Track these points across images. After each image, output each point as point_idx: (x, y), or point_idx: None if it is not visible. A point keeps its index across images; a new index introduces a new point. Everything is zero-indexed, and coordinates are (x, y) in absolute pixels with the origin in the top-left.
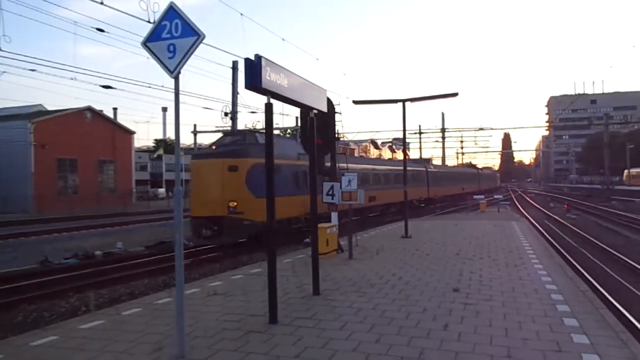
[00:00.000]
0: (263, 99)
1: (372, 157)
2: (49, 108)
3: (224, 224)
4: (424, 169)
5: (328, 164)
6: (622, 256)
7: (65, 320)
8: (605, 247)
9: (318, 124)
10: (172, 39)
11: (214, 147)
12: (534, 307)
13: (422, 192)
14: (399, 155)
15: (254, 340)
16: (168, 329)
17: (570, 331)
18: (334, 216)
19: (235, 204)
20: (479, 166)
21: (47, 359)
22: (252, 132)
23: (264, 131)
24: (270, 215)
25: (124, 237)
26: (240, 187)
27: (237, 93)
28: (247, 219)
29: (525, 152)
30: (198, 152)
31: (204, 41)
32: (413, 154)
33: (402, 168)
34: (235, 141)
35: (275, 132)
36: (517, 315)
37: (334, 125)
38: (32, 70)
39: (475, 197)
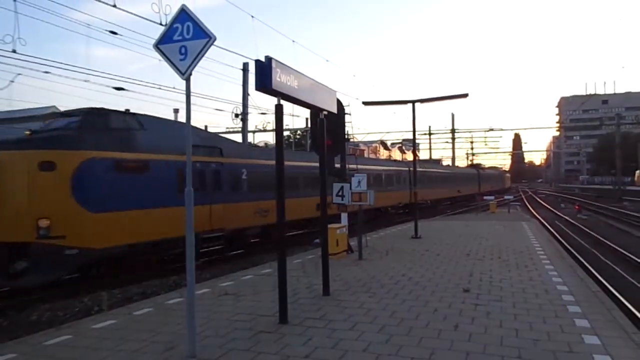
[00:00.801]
0: (273, 100)
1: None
2: (63, 109)
3: (31, 254)
4: (406, 168)
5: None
6: (634, 257)
7: (79, 319)
8: (617, 247)
9: (328, 125)
10: (184, 41)
11: (27, 132)
12: (544, 308)
13: (402, 197)
14: (409, 156)
15: (265, 340)
16: (180, 329)
17: (582, 332)
18: (344, 217)
19: (48, 222)
20: (487, 166)
21: (61, 358)
22: (99, 110)
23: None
24: (280, 216)
25: None
26: (60, 196)
27: (248, 94)
28: (73, 245)
29: (535, 153)
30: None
31: (214, 43)
32: (423, 154)
33: (380, 168)
34: (65, 125)
35: (286, 133)
36: (527, 316)
37: (344, 126)
38: (46, 72)
39: (485, 197)
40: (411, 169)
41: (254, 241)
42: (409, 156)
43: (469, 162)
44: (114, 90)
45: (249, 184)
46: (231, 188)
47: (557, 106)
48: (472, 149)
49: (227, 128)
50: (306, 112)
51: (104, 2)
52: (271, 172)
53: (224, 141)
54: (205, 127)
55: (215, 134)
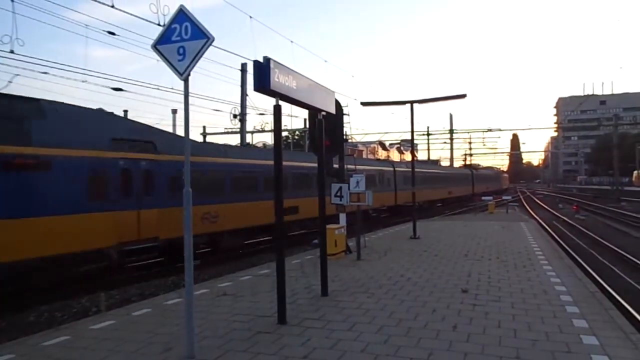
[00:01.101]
0: (272, 101)
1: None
2: None
3: None
4: (391, 168)
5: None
6: (631, 257)
7: (77, 320)
8: (614, 248)
9: (326, 126)
10: (182, 41)
11: None
12: (543, 308)
13: (385, 198)
14: (407, 157)
15: (263, 341)
16: (178, 329)
17: (580, 332)
18: (342, 217)
19: None
20: (483, 166)
21: (59, 359)
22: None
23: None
24: (279, 217)
25: None
26: None
27: (246, 95)
28: None
29: (533, 153)
30: None
31: (213, 43)
32: (421, 155)
33: (360, 167)
34: None
35: (284, 133)
36: (526, 317)
37: (342, 126)
38: (44, 73)
39: (483, 198)
40: (396, 168)
41: (203, 251)
42: (408, 156)
43: (463, 163)
44: (112, 90)
45: (194, 185)
46: (169, 190)
47: (555, 107)
48: (470, 149)
49: (226, 128)
50: (305, 113)
51: (102, 3)
52: (224, 170)
53: (159, 134)
54: (204, 127)
55: (149, 126)
